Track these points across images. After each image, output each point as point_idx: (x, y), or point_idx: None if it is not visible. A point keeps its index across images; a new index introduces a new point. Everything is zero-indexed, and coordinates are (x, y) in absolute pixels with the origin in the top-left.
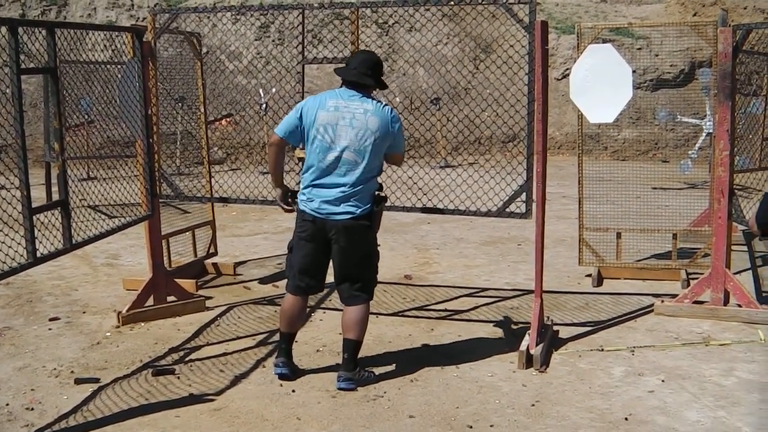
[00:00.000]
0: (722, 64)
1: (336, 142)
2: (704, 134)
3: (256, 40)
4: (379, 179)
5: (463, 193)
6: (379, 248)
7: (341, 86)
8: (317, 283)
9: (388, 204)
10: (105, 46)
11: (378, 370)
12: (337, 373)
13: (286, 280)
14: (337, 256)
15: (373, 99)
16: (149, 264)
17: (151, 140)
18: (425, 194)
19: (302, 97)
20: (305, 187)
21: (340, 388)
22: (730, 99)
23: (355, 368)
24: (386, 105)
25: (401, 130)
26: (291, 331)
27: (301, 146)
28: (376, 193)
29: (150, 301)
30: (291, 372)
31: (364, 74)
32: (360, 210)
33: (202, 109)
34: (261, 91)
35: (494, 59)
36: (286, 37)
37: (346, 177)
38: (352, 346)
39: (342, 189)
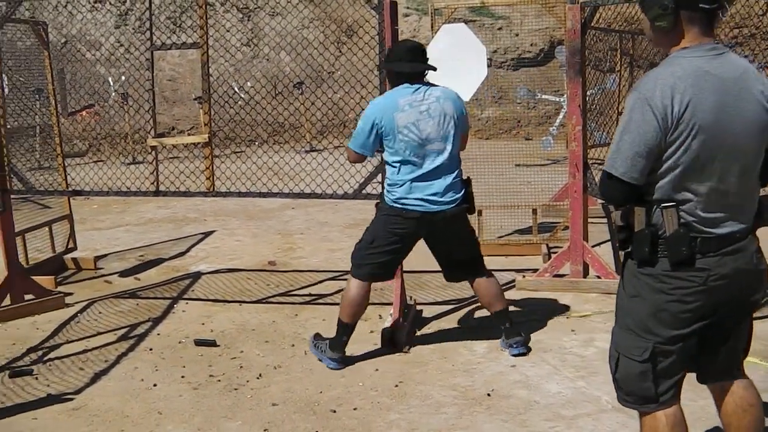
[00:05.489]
0: (571, 41)
1: (421, 136)
2: (563, 111)
3: (116, 28)
4: None
5: (330, 176)
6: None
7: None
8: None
9: (246, 190)
10: None
11: (241, 360)
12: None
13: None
14: None
15: (433, 84)
16: (4, 262)
17: None
18: (291, 179)
19: (153, 85)
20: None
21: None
22: (580, 75)
23: None
24: (446, 87)
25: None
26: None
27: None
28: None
29: (7, 301)
30: None
31: (418, 63)
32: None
33: (52, 101)
34: (110, 79)
35: (355, 41)
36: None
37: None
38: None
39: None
